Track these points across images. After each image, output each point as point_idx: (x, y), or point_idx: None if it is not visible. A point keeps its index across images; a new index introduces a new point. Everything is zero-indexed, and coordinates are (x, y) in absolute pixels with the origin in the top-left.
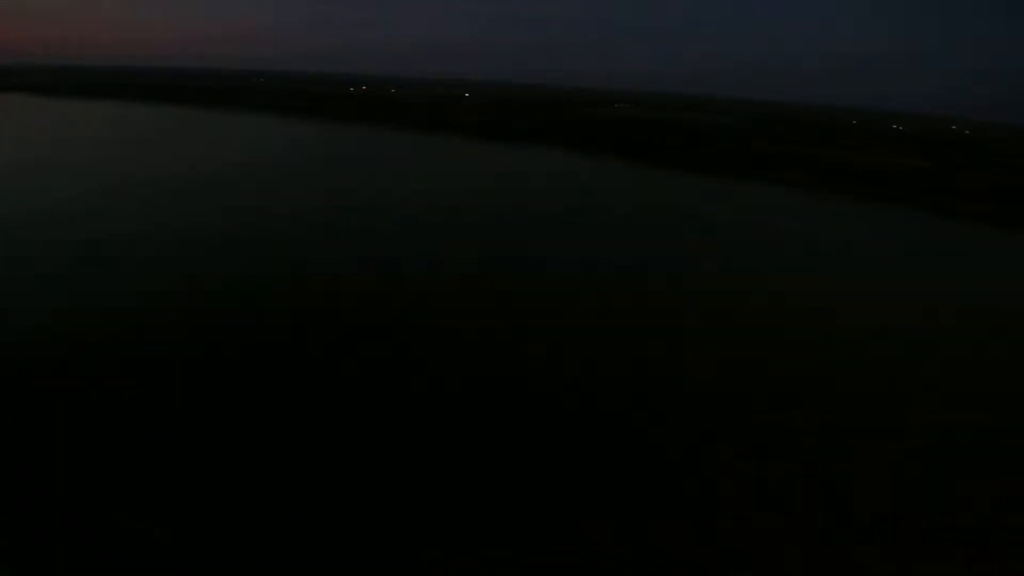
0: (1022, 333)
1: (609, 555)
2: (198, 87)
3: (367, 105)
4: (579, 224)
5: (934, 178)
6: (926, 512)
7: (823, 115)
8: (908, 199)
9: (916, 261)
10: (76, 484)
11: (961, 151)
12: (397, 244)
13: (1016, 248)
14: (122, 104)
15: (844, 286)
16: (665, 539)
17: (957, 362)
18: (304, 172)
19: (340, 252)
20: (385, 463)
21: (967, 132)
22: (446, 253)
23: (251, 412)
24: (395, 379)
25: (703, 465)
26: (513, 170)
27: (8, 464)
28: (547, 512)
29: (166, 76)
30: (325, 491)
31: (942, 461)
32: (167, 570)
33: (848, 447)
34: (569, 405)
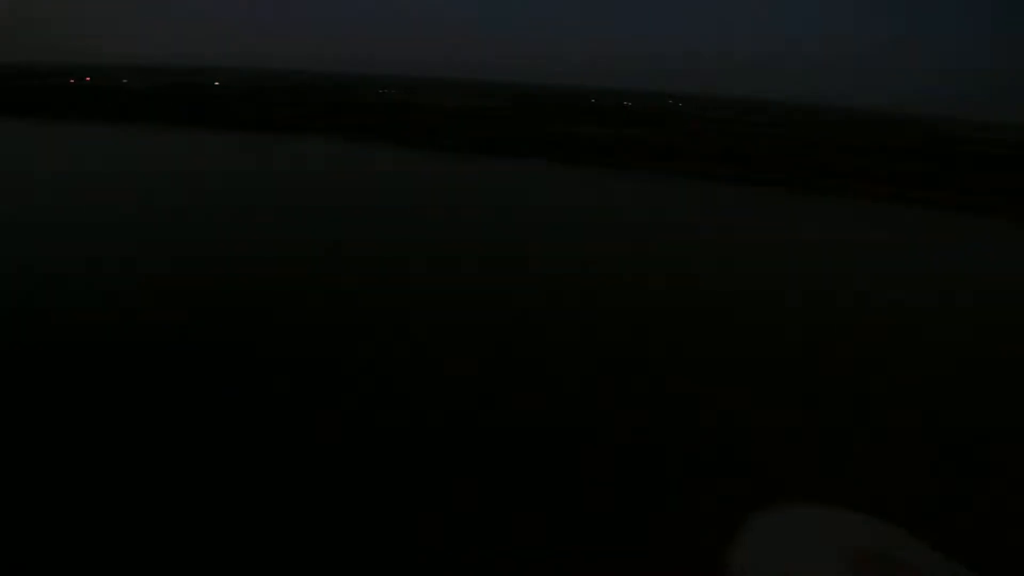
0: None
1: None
2: None
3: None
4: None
5: (654, 145)
6: None
7: (591, 97)
8: (634, 164)
9: (635, 211)
10: None
11: (672, 122)
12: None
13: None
14: None
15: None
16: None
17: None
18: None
19: None
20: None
21: (680, 104)
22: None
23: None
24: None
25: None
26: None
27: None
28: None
29: None
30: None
31: None
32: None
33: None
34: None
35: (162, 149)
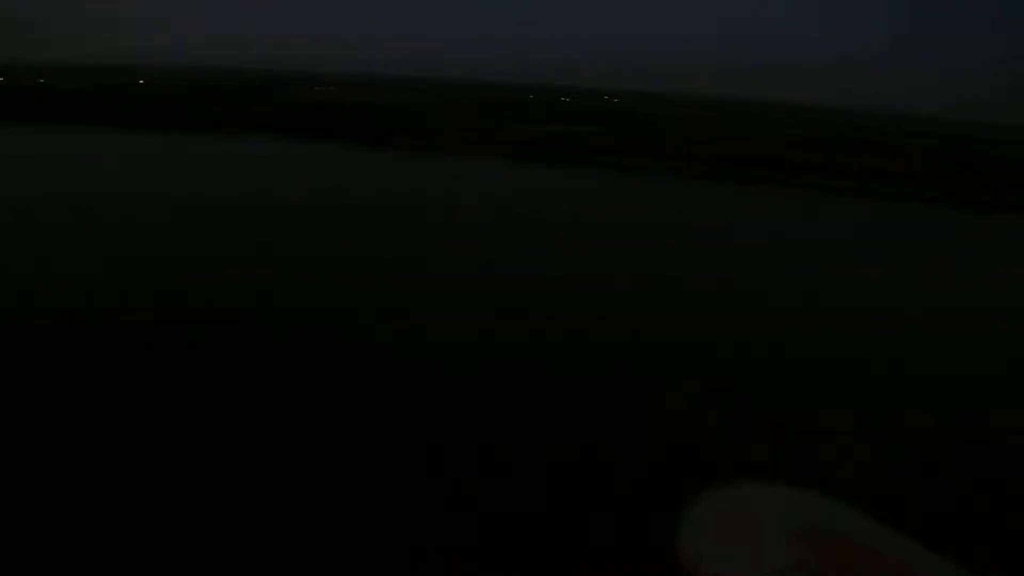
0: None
1: None
2: None
3: None
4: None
5: (601, 142)
6: None
7: (533, 95)
8: (582, 160)
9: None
10: None
11: (622, 121)
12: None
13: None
14: None
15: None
16: None
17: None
18: None
19: None
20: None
21: (616, 100)
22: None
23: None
24: None
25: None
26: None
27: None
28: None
29: None
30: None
31: None
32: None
33: None
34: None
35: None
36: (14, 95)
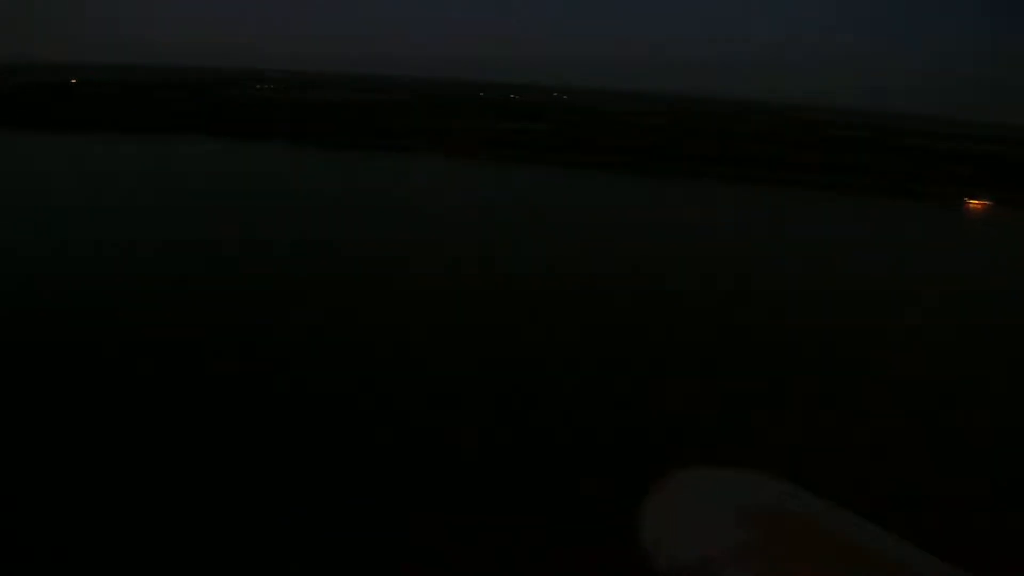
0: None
1: None
2: None
3: None
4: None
5: (551, 138)
6: None
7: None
8: (533, 158)
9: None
10: None
11: (579, 117)
12: None
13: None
14: None
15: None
16: None
17: None
18: None
19: None
20: None
21: (559, 94)
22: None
23: None
24: None
25: None
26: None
27: None
28: None
29: None
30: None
31: None
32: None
33: None
34: None
35: None
36: None
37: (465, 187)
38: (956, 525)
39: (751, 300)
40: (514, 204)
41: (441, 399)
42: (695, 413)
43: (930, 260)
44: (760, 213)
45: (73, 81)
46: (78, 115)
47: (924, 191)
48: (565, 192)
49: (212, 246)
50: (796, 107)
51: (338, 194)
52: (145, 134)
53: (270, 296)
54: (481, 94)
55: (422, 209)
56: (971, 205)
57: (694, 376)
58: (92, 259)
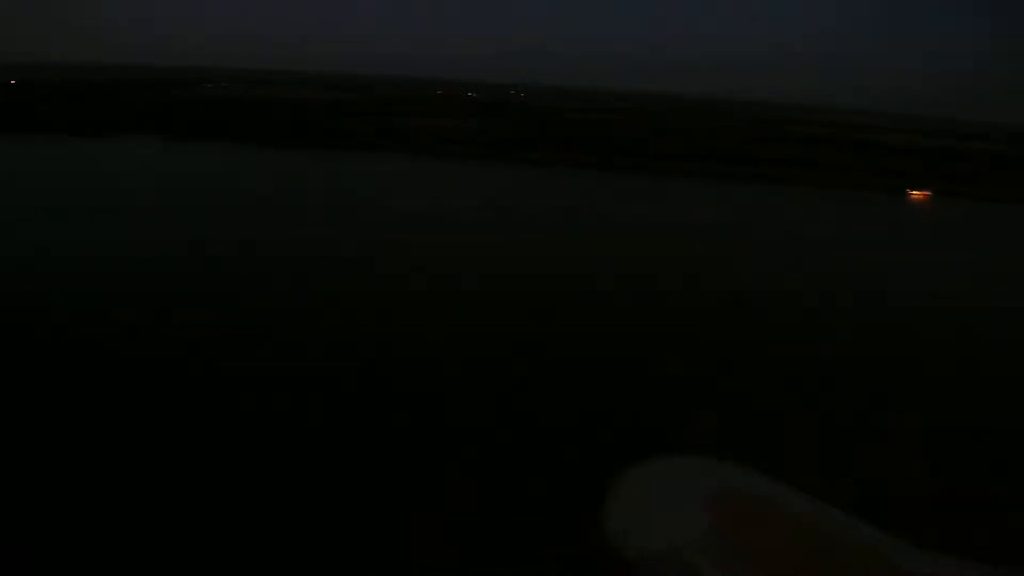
0: None
1: None
2: None
3: None
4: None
5: (479, 134)
6: None
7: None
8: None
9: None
10: None
11: (508, 112)
12: None
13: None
14: None
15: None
16: None
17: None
18: None
19: None
20: None
21: (522, 95)
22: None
23: None
24: None
25: None
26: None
27: None
28: None
29: None
30: None
31: None
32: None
33: None
34: None
35: None
36: None
37: (417, 186)
38: (890, 498)
39: (698, 294)
40: (467, 202)
41: (394, 398)
42: (642, 405)
43: (866, 248)
44: (709, 208)
45: (12, 82)
46: (23, 117)
47: (870, 182)
48: (522, 190)
49: (145, 249)
50: (759, 104)
51: (281, 194)
52: (89, 135)
53: (202, 299)
54: (439, 92)
55: (366, 209)
56: (913, 196)
57: (654, 371)
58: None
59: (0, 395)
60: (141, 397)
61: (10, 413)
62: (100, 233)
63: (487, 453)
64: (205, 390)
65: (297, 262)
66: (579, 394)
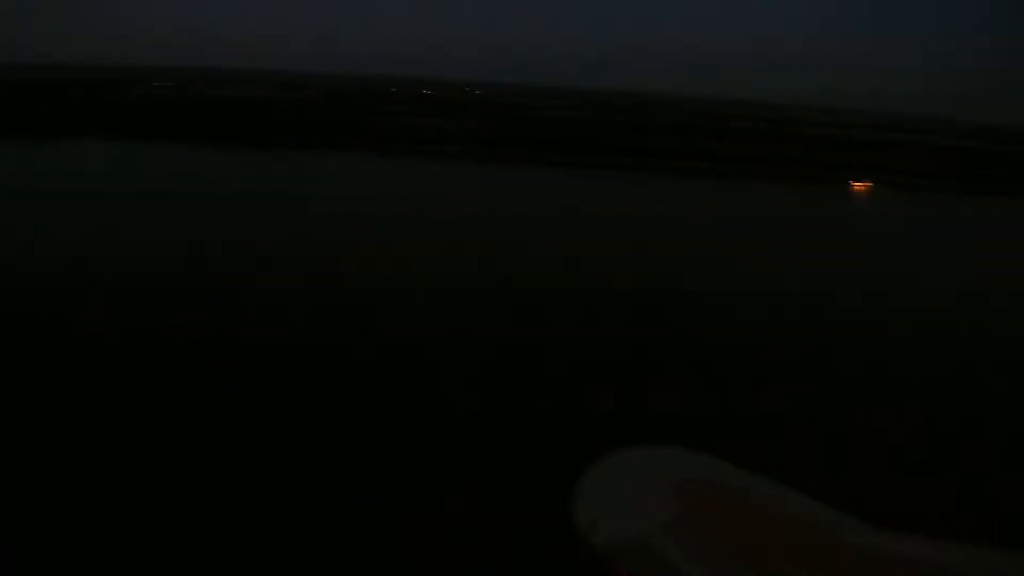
0: None
1: None
2: None
3: None
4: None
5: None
6: None
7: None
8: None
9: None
10: None
11: (503, 112)
12: None
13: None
14: None
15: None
16: None
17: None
18: None
19: None
20: None
21: (477, 92)
22: None
23: None
24: None
25: None
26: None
27: None
28: None
29: None
30: None
31: None
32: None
33: None
34: None
35: None
36: None
37: (371, 186)
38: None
39: (685, 292)
40: (421, 202)
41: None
42: (611, 401)
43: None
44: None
45: None
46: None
47: (812, 176)
48: (479, 188)
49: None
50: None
51: (230, 194)
52: (32, 138)
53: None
54: (393, 89)
55: (319, 208)
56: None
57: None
58: None
59: None
60: (112, 404)
61: None
62: (70, 235)
63: (474, 451)
64: (188, 393)
65: (286, 263)
66: (572, 393)
